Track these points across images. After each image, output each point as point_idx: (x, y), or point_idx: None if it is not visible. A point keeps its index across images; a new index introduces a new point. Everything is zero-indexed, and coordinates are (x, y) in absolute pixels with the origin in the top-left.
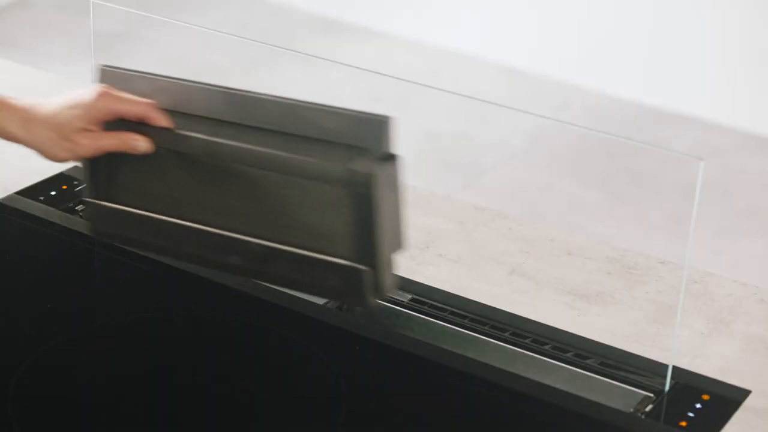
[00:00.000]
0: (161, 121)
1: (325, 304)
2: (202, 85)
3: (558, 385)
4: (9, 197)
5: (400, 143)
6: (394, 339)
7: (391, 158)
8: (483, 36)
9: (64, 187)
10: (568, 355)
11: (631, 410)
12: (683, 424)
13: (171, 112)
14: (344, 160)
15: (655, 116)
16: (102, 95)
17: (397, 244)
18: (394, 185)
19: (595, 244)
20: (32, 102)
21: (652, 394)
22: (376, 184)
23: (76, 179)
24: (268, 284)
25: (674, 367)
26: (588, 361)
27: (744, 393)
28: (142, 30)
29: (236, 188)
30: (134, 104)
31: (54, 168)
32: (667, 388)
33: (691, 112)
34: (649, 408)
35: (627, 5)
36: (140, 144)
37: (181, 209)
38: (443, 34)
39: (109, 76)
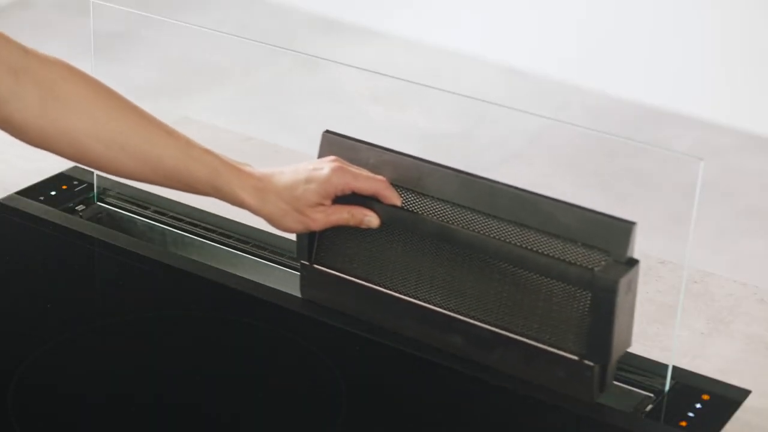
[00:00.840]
0: (393, 199)
1: (324, 304)
2: (434, 166)
3: None
4: (9, 197)
5: (400, 143)
6: (394, 339)
7: (633, 263)
8: (483, 36)
9: (64, 187)
10: None
11: (631, 410)
12: (683, 424)
13: (400, 188)
14: (590, 263)
15: (655, 116)
16: (337, 171)
17: (627, 343)
18: (632, 289)
19: None
20: (267, 171)
21: (652, 394)
22: (619, 291)
23: (76, 179)
24: (492, 366)
25: (674, 367)
26: None
27: (744, 393)
28: (142, 30)
29: (467, 272)
30: (369, 181)
31: (54, 168)
32: (667, 388)
33: (691, 112)
34: (649, 408)
35: (627, 5)
36: (372, 220)
37: (406, 284)
38: (443, 34)
39: (333, 143)
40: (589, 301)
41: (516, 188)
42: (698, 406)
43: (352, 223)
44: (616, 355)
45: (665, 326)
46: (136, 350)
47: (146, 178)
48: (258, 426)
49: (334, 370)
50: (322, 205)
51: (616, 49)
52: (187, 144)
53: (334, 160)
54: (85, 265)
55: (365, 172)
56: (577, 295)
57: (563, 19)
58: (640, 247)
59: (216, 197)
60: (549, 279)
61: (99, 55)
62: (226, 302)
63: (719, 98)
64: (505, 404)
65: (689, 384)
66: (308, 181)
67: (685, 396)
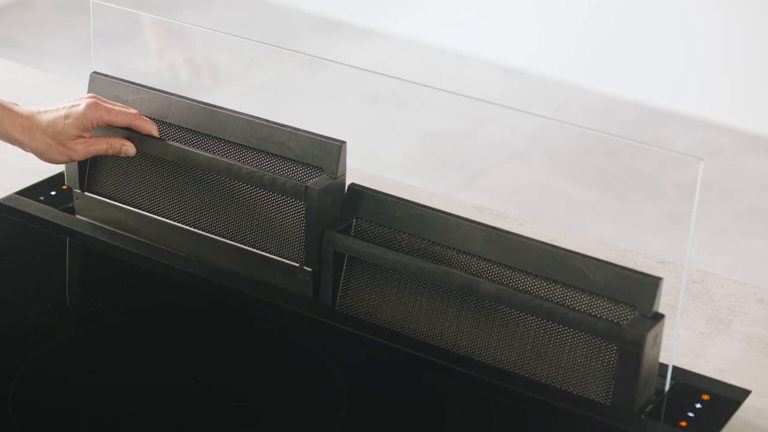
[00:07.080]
0: (147, 128)
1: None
2: (460, 219)
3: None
4: (9, 197)
5: (401, 143)
6: (394, 339)
7: (659, 318)
8: (483, 36)
9: (64, 187)
10: None
11: (632, 410)
12: (683, 424)
13: (426, 241)
14: (616, 317)
15: (655, 116)
16: (91, 106)
17: (650, 393)
18: (657, 343)
19: (595, 244)
20: (33, 110)
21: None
22: (646, 345)
23: None
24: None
25: (674, 367)
26: None
27: (744, 393)
28: (142, 30)
29: (491, 324)
30: (121, 114)
31: (54, 168)
32: (667, 388)
33: (691, 112)
34: (649, 408)
35: (627, 6)
36: (128, 149)
37: (430, 334)
38: (443, 34)
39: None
40: (615, 354)
41: (542, 243)
42: (698, 406)
43: (111, 152)
44: (638, 405)
45: (665, 326)
46: (136, 350)
47: None
48: (258, 425)
49: (334, 370)
50: (83, 137)
51: (616, 49)
52: None
53: (90, 97)
54: (85, 265)
55: (119, 106)
56: (603, 348)
57: (563, 19)
58: (640, 246)
59: None
60: (575, 332)
61: (99, 55)
62: (226, 302)
63: (719, 98)
64: (505, 404)
65: (689, 384)
66: (67, 117)
67: (685, 396)
